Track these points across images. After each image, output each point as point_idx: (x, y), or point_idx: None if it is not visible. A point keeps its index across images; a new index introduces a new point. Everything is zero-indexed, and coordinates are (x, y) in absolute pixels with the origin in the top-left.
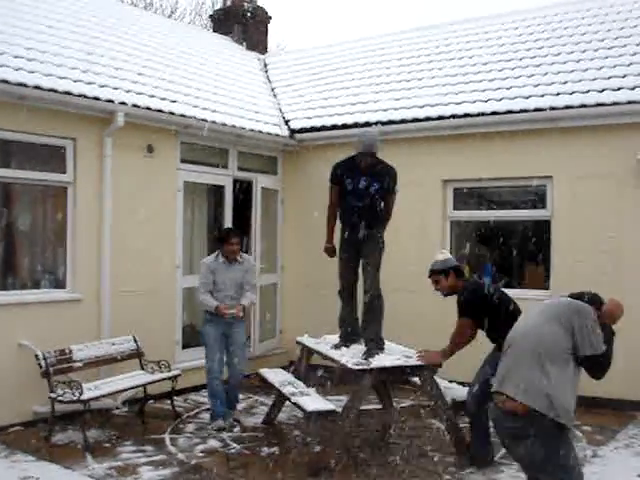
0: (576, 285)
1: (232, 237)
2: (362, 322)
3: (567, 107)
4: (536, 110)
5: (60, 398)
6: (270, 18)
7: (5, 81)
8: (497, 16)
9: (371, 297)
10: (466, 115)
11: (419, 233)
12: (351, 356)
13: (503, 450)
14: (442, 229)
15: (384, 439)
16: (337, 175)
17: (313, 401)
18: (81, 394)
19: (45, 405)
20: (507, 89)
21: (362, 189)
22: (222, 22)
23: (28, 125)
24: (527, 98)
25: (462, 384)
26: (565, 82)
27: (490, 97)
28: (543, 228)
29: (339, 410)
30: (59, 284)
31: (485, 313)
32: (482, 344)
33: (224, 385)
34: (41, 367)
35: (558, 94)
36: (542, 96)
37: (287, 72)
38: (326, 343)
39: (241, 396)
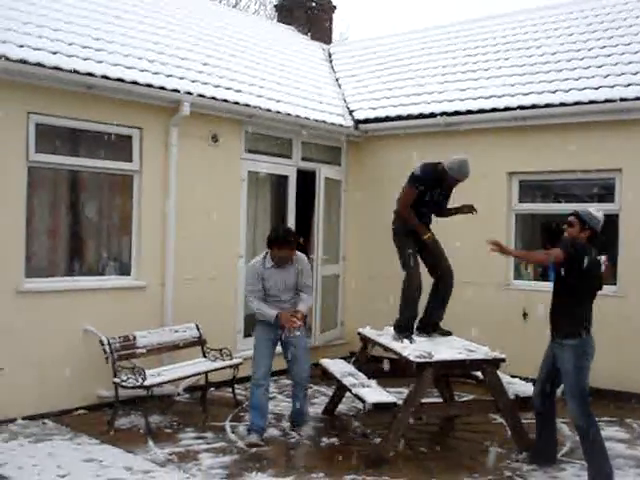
0: None
1: (283, 244)
2: (432, 307)
3: (638, 98)
4: (606, 101)
5: (124, 383)
6: (335, 8)
7: (74, 71)
8: (565, 5)
9: (449, 280)
10: (533, 106)
11: (484, 225)
12: (413, 349)
13: (565, 448)
14: (507, 221)
15: (444, 433)
16: (426, 182)
17: (374, 393)
18: (144, 380)
19: (109, 390)
20: (575, 80)
21: (436, 202)
22: (286, 12)
23: (96, 114)
24: (596, 89)
25: (526, 379)
26: (636, 73)
27: (558, 88)
28: (611, 222)
29: (400, 402)
30: (124, 271)
31: (575, 270)
32: (546, 340)
33: (269, 397)
34: (105, 352)
35: (629, 85)
36: (612, 87)
37: (351, 62)
38: (388, 335)
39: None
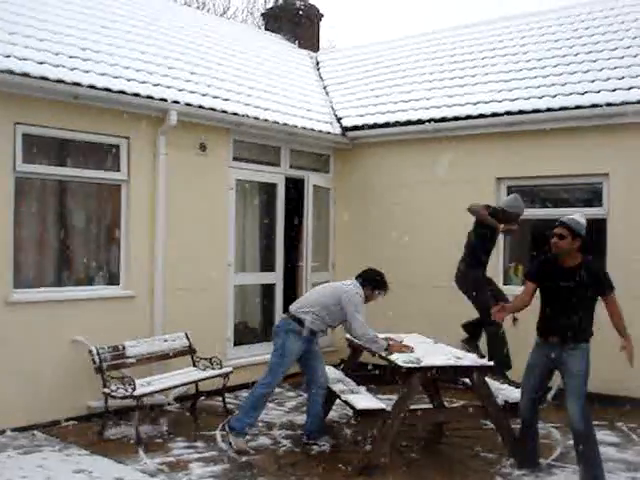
0: (632, 284)
1: (385, 290)
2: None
3: (624, 103)
4: (592, 106)
5: (113, 393)
6: (322, 16)
7: (61, 81)
8: (552, 11)
9: None
10: (520, 112)
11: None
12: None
13: (556, 452)
14: None
15: (435, 439)
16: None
17: (363, 399)
18: (134, 390)
19: (99, 400)
20: (562, 85)
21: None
22: (274, 20)
23: (83, 124)
24: (583, 94)
25: (517, 385)
26: (622, 77)
27: (545, 94)
28: (598, 227)
29: (389, 409)
30: (113, 281)
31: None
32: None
33: None
34: (95, 363)
35: (615, 90)
36: (598, 92)
37: (339, 70)
38: None
39: (291, 394)
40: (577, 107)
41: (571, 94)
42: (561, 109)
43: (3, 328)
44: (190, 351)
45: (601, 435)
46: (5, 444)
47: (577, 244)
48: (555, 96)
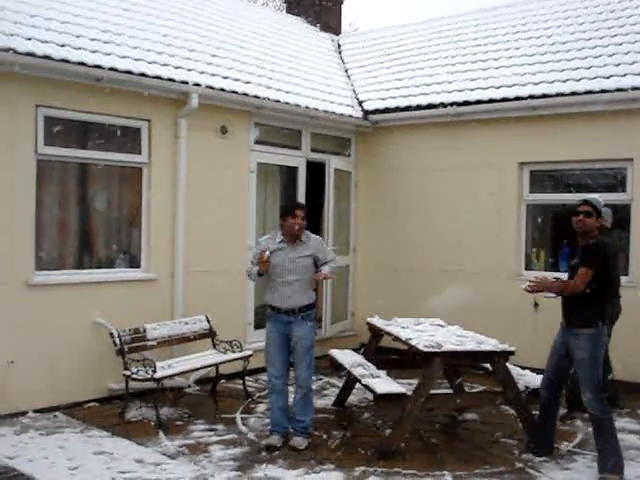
0: None
1: (296, 210)
2: None
3: None
4: (617, 90)
5: (134, 376)
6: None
7: (82, 63)
8: None
9: None
10: (544, 96)
11: (494, 216)
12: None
13: (577, 439)
14: (517, 212)
15: (455, 424)
16: None
17: (383, 383)
18: (154, 372)
19: (119, 382)
20: (587, 69)
21: None
22: (296, 3)
23: (104, 107)
24: (608, 78)
25: (537, 371)
26: None
27: (569, 77)
28: (622, 212)
29: (410, 393)
30: (134, 263)
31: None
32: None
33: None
34: (116, 345)
35: None
36: (624, 76)
37: (361, 53)
38: (397, 325)
39: (312, 377)
40: (602, 91)
41: (596, 77)
42: (586, 93)
43: (25, 310)
44: (210, 334)
45: (622, 423)
46: (27, 425)
47: (599, 224)
48: (580, 80)
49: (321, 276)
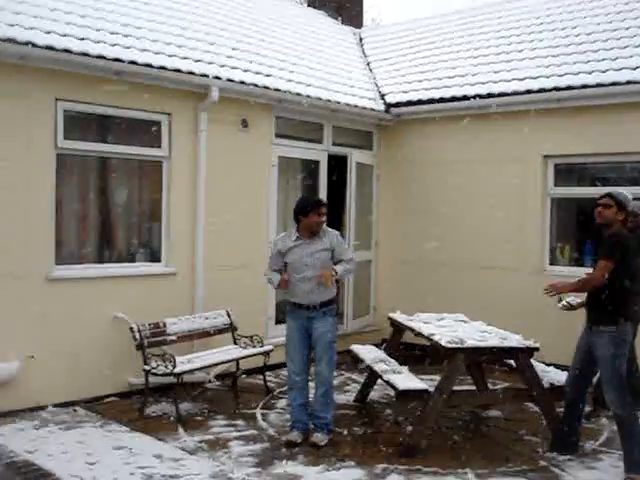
0: None
1: (322, 207)
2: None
3: None
4: None
5: (154, 371)
6: None
7: (102, 56)
8: None
9: None
10: (569, 87)
11: (518, 210)
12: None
13: (603, 437)
14: (542, 206)
15: (478, 421)
16: None
17: (405, 380)
18: (174, 367)
19: (139, 377)
20: (612, 60)
21: None
22: None
23: (124, 100)
24: (635, 69)
25: (562, 367)
26: None
27: (594, 69)
28: None
29: (431, 390)
30: (154, 258)
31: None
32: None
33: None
34: (136, 340)
35: None
36: None
37: (383, 46)
38: (419, 320)
39: (334, 373)
40: (628, 82)
41: (622, 69)
42: (612, 84)
43: (45, 304)
44: (231, 329)
45: None
46: (46, 419)
47: (621, 217)
48: (605, 71)
49: (322, 276)
